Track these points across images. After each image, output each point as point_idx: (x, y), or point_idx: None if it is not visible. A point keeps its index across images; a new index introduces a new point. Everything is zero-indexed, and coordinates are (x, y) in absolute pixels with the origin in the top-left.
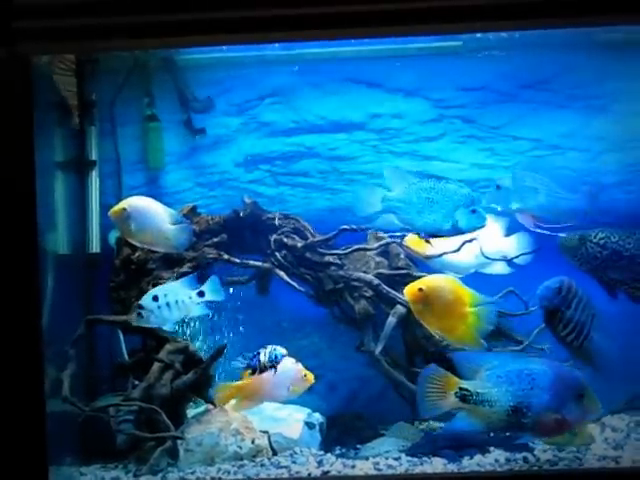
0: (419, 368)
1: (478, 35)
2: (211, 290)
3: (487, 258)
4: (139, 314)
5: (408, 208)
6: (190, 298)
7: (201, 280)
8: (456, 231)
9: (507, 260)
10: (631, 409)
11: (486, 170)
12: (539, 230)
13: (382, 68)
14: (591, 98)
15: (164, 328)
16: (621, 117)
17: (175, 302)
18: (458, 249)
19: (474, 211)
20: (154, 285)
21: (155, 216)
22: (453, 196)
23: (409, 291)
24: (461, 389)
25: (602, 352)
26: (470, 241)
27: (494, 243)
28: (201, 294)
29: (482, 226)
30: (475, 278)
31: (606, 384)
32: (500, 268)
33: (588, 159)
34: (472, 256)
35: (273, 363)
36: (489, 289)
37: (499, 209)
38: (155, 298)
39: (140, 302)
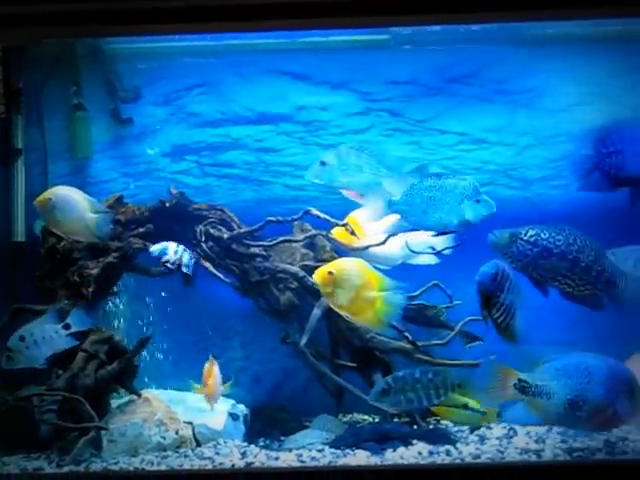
0: (344, 360)
1: (406, 29)
2: (76, 321)
3: (412, 251)
4: (8, 357)
5: (413, 210)
6: (57, 332)
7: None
8: (465, 224)
9: (434, 252)
10: None
11: (414, 163)
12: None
13: (309, 60)
14: (516, 93)
15: (36, 366)
16: (546, 112)
17: (42, 338)
18: (384, 241)
19: (479, 200)
20: (80, 275)
21: (77, 205)
22: (454, 190)
23: (319, 274)
24: (520, 380)
25: (523, 329)
26: (396, 234)
27: (421, 234)
28: (67, 327)
29: (490, 213)
30: (405, 269)
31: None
32: (427, 259)
33: (513, 153)
34: (398, 248)
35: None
36: (420, 279)
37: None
38: (22, 338)
39: (8, 344)
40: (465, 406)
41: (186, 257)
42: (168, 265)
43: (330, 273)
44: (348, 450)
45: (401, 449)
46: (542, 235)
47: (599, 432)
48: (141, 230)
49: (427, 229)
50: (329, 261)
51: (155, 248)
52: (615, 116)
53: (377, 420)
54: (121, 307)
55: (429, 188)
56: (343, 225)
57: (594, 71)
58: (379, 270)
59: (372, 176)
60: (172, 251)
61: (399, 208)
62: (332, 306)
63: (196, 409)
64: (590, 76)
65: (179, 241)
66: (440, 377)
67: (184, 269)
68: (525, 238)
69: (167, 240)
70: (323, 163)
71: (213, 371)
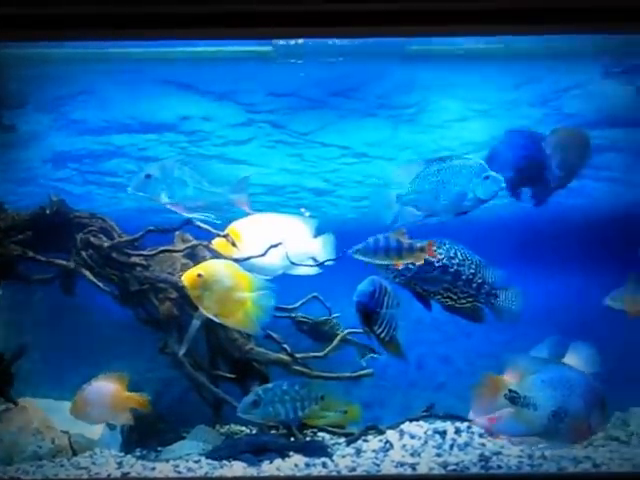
0: (222, 371)
1: (291, 41)
2: None
3: (292, 263)
4: None
5: (424, 197)
6: None
7: None
8: (478, 202)
9: (317, 264)
10: (429, 417)
11: (294, 176)
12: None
13: (194, 70)
14: (399, 108)
15: None
16: (427, 128)
17: None
18: (264, 253)
19: (487, 177)
20: None
21: None
22: (462, 170)
23: (188, 277)
24: (510, 391)
25: (408, 341)
26: (276, 245)
27: (302, 245)
28: None
29: (500, 188)
30: (287, 280)
31: (412, 390)
32: (308, 269)
33: (394, 168)
34: (279, 258)
35: None
36: (301, 290)
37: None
38: None
39: None
40: (338, 407)
41: None
42: None
43: (199, 275)
44: (225, 461)
45: (278, 461)
46: None
47: (574, 444)
48: (20, 237)
49: (440, 213)
50: None
51: None
52: (495, 133)
53: (254, 432)
54: None
55: (436, 172)
56: (224, 236)
57: (475, 88)
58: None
59: (195, 190)
60: None
61: (409, 198)
62: (201, 309)
63: (73, 418)
64: (471, 92)
65: (58, 249)
66: (305, 389)
67: None
68: None
69: (45, 247)
70: (148, 176)
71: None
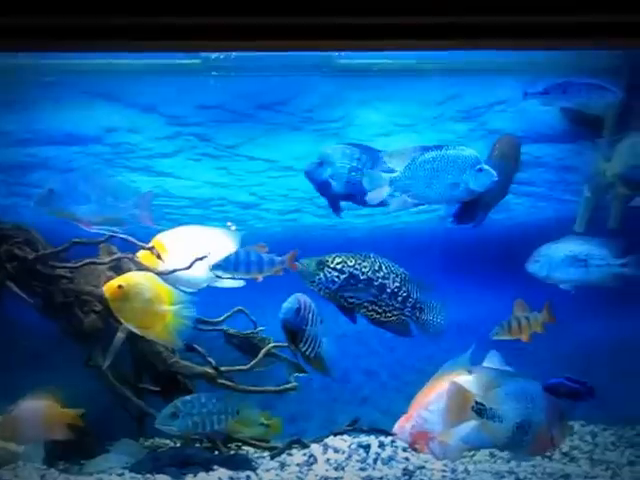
0: (146, 384)
1: (219, 54)
2: None
3: (217, 275)
4: None
5: (417, 184)
6: None
7: None
8: (469, 193)
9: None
10: (353, 431)
11: (220, 189)
12: (93, 230)
13: (120, 83)
14: (325, 122)
15: None
16: (353, 142)
17: None
18: (190, 265)
19: (480, 169)
20: None
21: None
22: (457, 160)
23: (108, 288)
24: (477, 403)
25: (332, 356)
26: (202, 258)
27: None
28: None
29: (492, 181)
30: (214, 292)
31: (336, 404)
32: (232, 282)
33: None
34: (204, 271)
35: None
36: (228, 302)
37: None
38: None
39: None
40: (258, 419)
41: None
42: None
43: (120, 287)
44: (148, 475)
45: (202, 474)
46: (348, 262)
47: (535, 456)
48: None
49: (432, 201)
50: None
51: None
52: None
53: (178, 445)
54: None
55: (431, 160)
56: (149, 248)
57: (400, 103)
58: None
59: (97, 205)
60: None
61: (403, 183)
62: (122, 320)
63: None
64: (396, 107)
65: None
66: (222, 403)
67: None
68: (332, 266)
69: None
70: (51, 190)
71: None
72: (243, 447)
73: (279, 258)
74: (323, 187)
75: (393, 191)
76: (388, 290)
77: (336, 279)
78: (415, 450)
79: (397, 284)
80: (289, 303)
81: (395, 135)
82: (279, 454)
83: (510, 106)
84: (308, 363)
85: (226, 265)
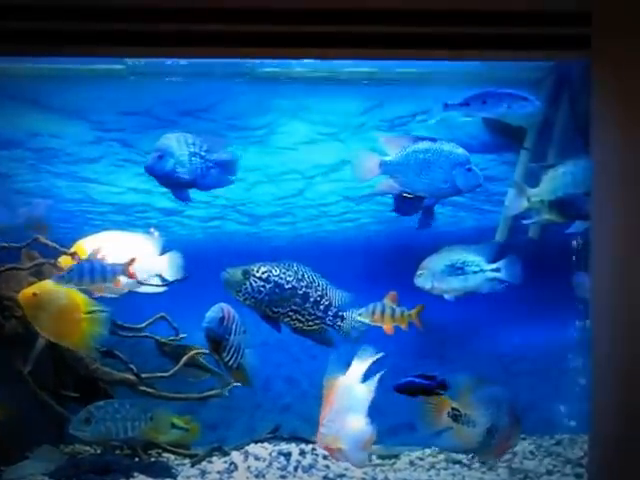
0: (68, 390)
1: (142, 60)
2: None
3: (138, 281)
4: None
5: (406, 170)
6: None
7: None
8: (454, 190)
9: (163, 283)
10: (274, 439)
11: (143, 195)
12: None
13: (43, 87)
14: (249, 129)
15: None
16: (276, 150)
17: None
18: None
19: (469, 169)
20: None
21: None
22: (449, 156)
23: (23, 296)
24: (453, 409)
25: (254, 367)
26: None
27: (148, 263)
28: None
29: (478, 184)
30: (136, 297)
31: (257, 412)
32: (154, 287)
33: (243, 189)
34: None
35: None
36: (150, 308)
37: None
38: None
39: None
40: (173, 425)
41: None
42: None
43: (34, 294)
44: None
45: None
46: (273, 272)
47: (498, 459)
48: None
49: (417, 191)
50: None
51: None
52: (342, 156)
53: (98, 451)
54: None
55: (425, 151)
56: (71, 254)
57: (324, 111)
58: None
59: None
60: None
61: (393, 168)
62: (37, 328)
63: None
64: (320, 116)
65: None
66: (136, 409)
67: None
68: (257, 275)
69: None
70: None
71: None
72: (163, 454)
73: (121, 267)
74: (167, 179)
75: (382, 173)
76: (311, 299)
77: (262, 289)
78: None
79: (319, 293)
80: (213, 312)
81: (318, 144)
82: (199, 461)
83: (432, 116)
84: (230, 374)
85: (70, 277)
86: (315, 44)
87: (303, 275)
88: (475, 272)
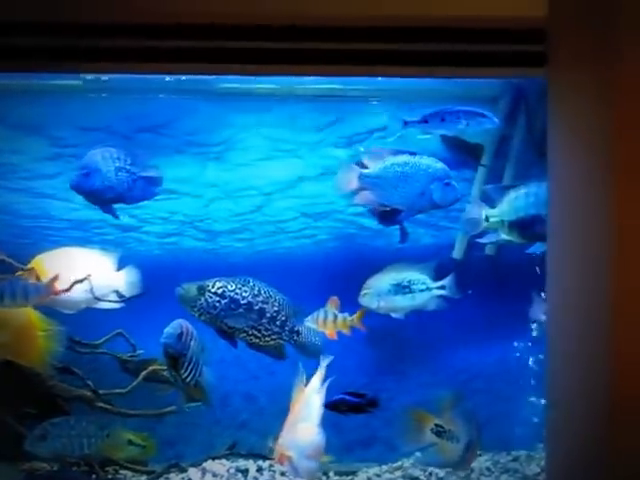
0: (26, 407)
1: (100, 76)
2: None
3: (95, 297)
4: None
5: (384, 184)
6: None
7: None
8: (431, 204)
9: (121, 299)
10: (231, 455)
11: (100, 211)
12: None
13: (0, 102)
14: (207, 145)
15: None
16: (234, 166)
17: None
18: (69, 287)
19: (448, 184)
20: None
21: None
22: (427, 169)
23: None
24: (436, 425)
25: (212, 385)
26: (81, 280)
27: (105, 279)
28: None
29: (456, 199)
30: (93, 313)
31: (215, 428)
32: (111, 303)
33: (201, 205)
34: (82, 292)
35: None
36: (107, 324)
37: None
38: None
39: None
40: (129, 442)
41: None
42: None
43: None
44: None
45: None
46: (229, 287)
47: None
48: None
49: (395, 204)
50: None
51: None
52: (300, 172)
53: (55, 468)
54: None
55: (403, 164)
56: (28, 270)
57: (281, 127)
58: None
59: None
60: None
61: (372, 181)
62: None
63: None
64: (277, 132)
65: None
66: (93, 425)
67: None
68: (213, 290)
69: None
70: None
71: None
72: (121, 471)
73: (44, 284)
74: (95, 195)
75: (361, 186)
76: (267, 315)
77: (217, 304)
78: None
79: (276, 308)
80: (171, 328)
81: (276, 160)
82: (157, 478)
83: (392, 133)
84: (188, 391)
85: None
86: (273, 61)
87: (259, 290)
88: (421, 290)
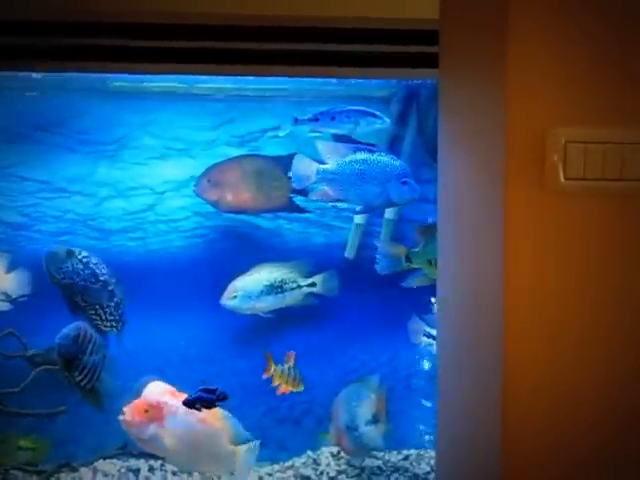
0: None
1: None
2: None
3: None
4: None
5: (342, 180)
6: None
7: None
8: (388, 202)
9: (9, 299)
10: (123, 455)
11: None
12: None
13: None
14: (100, 144)
15: None
16: (127, 165)
17: None
18: None
19: (405, 182)
20: None
21: None
22: (385, 168)
23: None
24: None
25: (110, 392)
26: None
27: None
28: None
29: (413, 198)
30: None
31: (106, 427)
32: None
33: (93, 204)
34: None
35: None
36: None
37: None
38: None
39: None
40: (19, 447)
41: None
42: None
43: None
44: None
45: None
46: (92, 260)
47: None
48: None
49: (351, 201)
50: None
51: None
52: (193, 172)
53: None
54: None
55: (362, 161)
56: None
57: (174, 127)
58: None
59: None
60: None
61: (329, 176)
62: None
63: None
64: (170, 131)
65: None
66: None
67: None
68: (79, 257)
69: None
70: None
71: None
72: (11, 471)
73: None
74: None
75: (319, 181)
76: (115, 299)
77: (80, 272)
78: None
79: (122, 297)
80: (68, 329)
81: (169, 159)
82: (47, 478)
83: (281, 130)
84: (82, 395)
85: None
86: (167, 59)
87: (114, 273)
88: (292, 289)
